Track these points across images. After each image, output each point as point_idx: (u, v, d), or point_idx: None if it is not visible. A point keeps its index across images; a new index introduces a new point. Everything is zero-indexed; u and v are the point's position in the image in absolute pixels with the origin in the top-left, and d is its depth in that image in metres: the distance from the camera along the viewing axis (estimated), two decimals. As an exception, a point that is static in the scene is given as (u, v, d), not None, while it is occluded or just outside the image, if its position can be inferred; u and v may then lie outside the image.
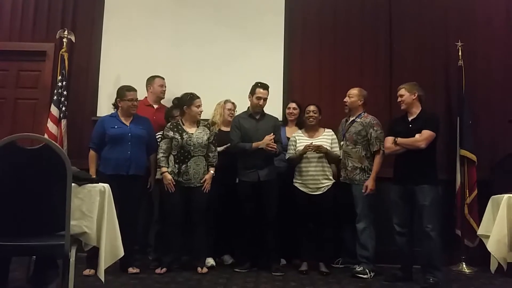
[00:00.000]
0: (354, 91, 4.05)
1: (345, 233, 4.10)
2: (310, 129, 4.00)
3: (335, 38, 4.82)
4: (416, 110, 3.67)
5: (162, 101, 4.44)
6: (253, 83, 3.99)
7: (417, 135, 3.53)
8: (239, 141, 3.90)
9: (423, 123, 3.57)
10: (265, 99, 3.95)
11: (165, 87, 4.40)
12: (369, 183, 3.82)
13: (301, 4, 4.86)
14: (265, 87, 3.95)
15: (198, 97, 3.87)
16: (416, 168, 3.53)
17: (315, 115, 3.96)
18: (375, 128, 3.91)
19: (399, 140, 3.58)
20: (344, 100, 4.06)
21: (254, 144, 3.82)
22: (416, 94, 3.67)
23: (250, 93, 3.99)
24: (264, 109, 4.02)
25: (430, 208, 3.47)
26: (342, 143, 3.99)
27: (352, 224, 3.91)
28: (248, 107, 4.04)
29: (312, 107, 4.00)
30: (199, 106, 3.86)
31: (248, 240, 3.89)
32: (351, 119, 4.04)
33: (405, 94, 3.69)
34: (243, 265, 3.85)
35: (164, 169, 3.75)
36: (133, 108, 3.78)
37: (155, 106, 4.35)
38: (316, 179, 3.86)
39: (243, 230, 3.91)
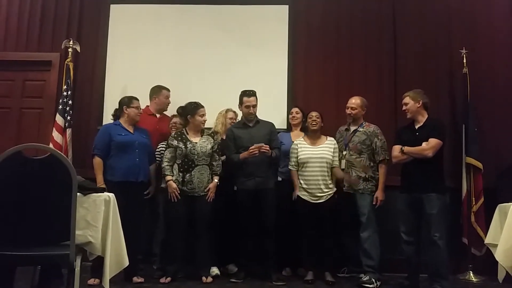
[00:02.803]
0: (356, 101, 4.03)
1: (349, 242, 4.06)
2: (313, 136, 3.99)
3: (339, 45, 4.82)
4: (422, 118, 3.66)
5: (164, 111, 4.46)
6: (259, 92, 4.00)
7: (424, 144, 3.51)
8: (232, 153, 3.90)
9: (430, 131, 3.56)
10: (254, 106, 3.94)
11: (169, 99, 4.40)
12: (379, 195, 3.82)
13: (304, 11, 4.88)
14: (250, 94, 3.95)
15: (202, 106, 3.88)
16: (424, 177, 3.52)
17: (318, 119, 3.96)
18: (379, 137, 3.92)
19: (406, 149, 3.57)
20: (349, 112, 4.04)
21: (241, 156, 3.82)
22: (421, 102, 3.66)
23: (239, 103, 4.00)
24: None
25: (438, 217, 3.45)
26: (345, 152, 3.96)
27: (355, 232, 3.90)
28: (241, 116, 4.04)
29: (314, 113, 4.00)
30: (203, 115, 3.87)
31: (246, 249, 3.85)
32: (353, 128, 4.03)
33: (409, 102, 3.69)
34: (238, 275, 3.82)
35: (168, 178, 3.74)
36: (138, 116, 3.83)
37: (158, 116, 4.36)
38: (318, 188, 3.84)
39: (241, 238, 3.88)
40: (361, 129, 3.98)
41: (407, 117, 3.72)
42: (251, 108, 3.93)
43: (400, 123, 3.98)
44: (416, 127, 3.67)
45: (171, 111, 4.38)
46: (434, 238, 3.43)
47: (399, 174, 3.73)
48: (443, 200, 3.54)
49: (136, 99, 3.86)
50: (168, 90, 4.39)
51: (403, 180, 3.70)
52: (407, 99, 3.72)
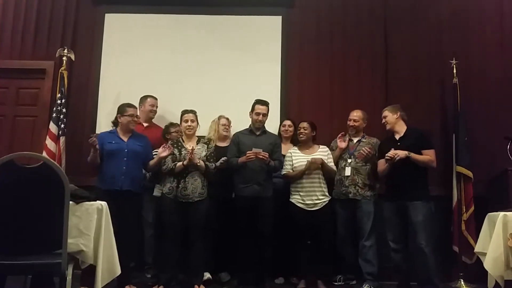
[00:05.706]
0: (358, 114, 4.16)
1: (346, 250, 4.06)
2: (304, 146, 4.03)
3: (332, 56, 4.87)
4: (401, 129, 3.86)
5: (156, 119, 4.48)
6: (252, 101, 4.05)
7: (427, 156, 3.69)
8: (233, 156, 3.92)
9: (415, 141, 3.72)
10: (264, 115, 3.99)
11: (157, 107, 4.40)
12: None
13: (298, 22, 4.93)
14: (263, 103, 4.01)
15: (187, 112, 3.89)
16: (409, 185, 3.63)
17: (306, 131, 4.02)
18: None
19: (413, 155, 3.65)
20: (351, 125, 4.14)
21: (239, 160, 3.84)
22: (399, 114, 3.89)
23: (250, 110, 4.05)
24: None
25: (423, 224, 3.55)
26: (350, 160, 4.03)
27: (352, 240, 3.92)
28: (250, 124, 4.08)
29: (303, 124, 4.06)
30: (186, 121, 3.87)
31: (241, 255, 3.85)
32: (356, 139, 4.14)
33: (388, 115, 3.91)
34: (231, 284, 3.83)
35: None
36: (132, 124, 3.82)
37: (145, 125, 4.37)
38: (313, 195, 3.88)
39: (238, 246, 3.87)
40: (364, 140, 4.11)
41: (387, 128, 3.91)
42: (261, 116, 3.98)
43: (390, 134, 4.04)
44: (397, 137, 3.83)
45: (165, 118, 4.41)
46: (421, 246, 3.51)
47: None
48: (428, 208, 3.64)
49: (132, 106, 3.86)
50: (154, 98, 4.40)
51: (388, 189, 3.81)
52: (385, 113, 3.94)
